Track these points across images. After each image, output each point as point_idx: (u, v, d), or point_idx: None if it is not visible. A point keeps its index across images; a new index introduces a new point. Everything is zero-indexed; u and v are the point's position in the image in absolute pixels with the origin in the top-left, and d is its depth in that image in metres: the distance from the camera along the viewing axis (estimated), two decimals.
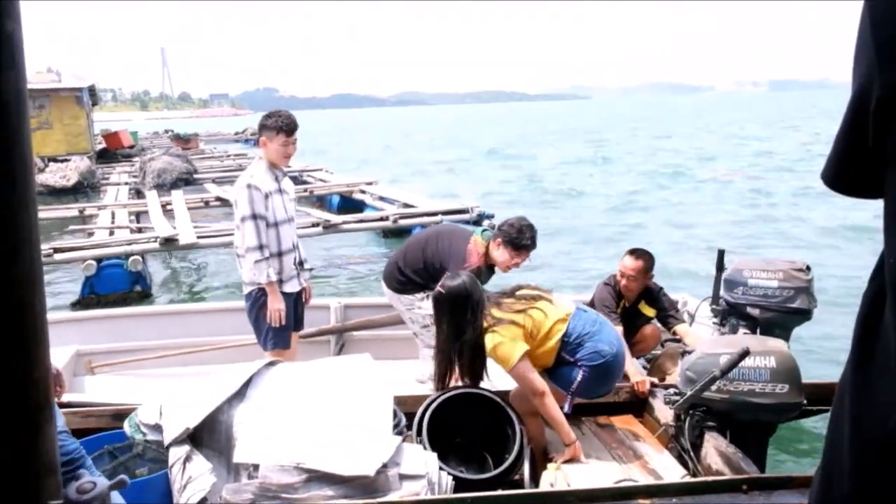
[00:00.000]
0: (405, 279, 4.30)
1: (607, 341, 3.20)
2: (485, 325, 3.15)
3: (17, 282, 0.92)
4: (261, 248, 3.88)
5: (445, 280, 3.24)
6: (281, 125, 3.92)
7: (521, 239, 4.03)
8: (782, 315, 4.03)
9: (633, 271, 4.22)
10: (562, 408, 3.15)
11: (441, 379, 3.30)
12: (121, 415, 2.99)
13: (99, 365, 4.91)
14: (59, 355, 4.63)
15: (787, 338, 4.08)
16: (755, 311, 4.07)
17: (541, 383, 3.10)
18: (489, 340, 3.11)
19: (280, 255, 4.01)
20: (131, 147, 27.45)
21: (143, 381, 4.77)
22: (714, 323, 4.31)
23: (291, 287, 4.09)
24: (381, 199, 12.87)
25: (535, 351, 3.16)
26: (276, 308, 3.93)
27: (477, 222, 10.36)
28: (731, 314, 4.20)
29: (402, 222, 10.61)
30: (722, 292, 4.23)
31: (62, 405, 2.91)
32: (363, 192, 13.82)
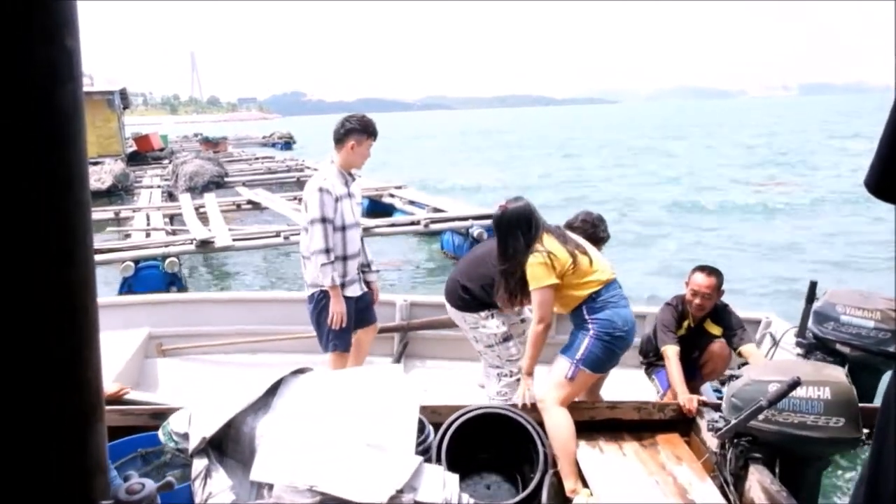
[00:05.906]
0: (469, 296, 4.04)
1: (624, 318, 3.39)
2: None
3: (72, 283, 0.94)
4: (327, 251, 3.91)
5: (508, 203, 3.53)
6: (362, 127, 3.98)
7: (597, 232, 4.03)
8: (874, 357, 3.73)
9: (708, 289, 3.91)
10: (567, 376, 3.33)
11: (511, 299, 3.57)
12: (158, 414, 3.00)
13: (169, 348, 4.96)
14: (132, 337, 4.73)
15: (876, 380, 3.81)
16: (845, 349, 3.79)
17: (549, 315, 3.44)
18: (530, 258, 3.41)
19: (346, 258, 4.03)
20: (161, 150, 27.82)
21: (211, 366, 4.80)
22: (798, 355, 4.02)
23: (353, 291, 4.12)
24: (411, 202, 12.82)
25: (564, 291, 3.42)
26: (338, 311, 3.97)
27: None
28: (817, 348, 3.91)
29: (434, 226, 10.59)
30: (811, 324, 3.94)
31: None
32: (392, 195, 13.82)
